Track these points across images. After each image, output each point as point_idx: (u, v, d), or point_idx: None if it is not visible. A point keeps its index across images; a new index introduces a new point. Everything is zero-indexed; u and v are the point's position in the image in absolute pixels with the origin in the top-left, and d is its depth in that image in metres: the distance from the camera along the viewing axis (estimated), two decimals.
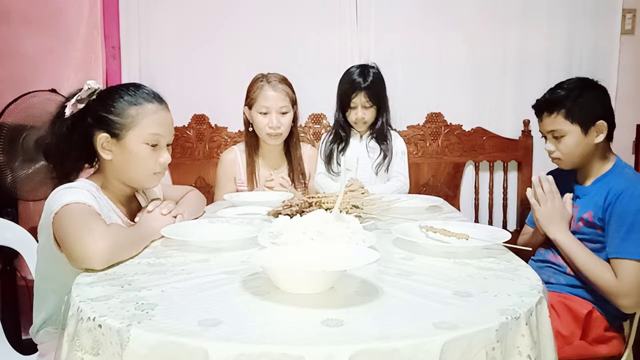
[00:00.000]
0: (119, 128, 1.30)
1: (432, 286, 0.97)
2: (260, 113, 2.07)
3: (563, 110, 1.55)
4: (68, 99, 1.31)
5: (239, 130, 2.64)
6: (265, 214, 1.57)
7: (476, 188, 2.68)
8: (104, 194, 1.33)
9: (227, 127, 2.68)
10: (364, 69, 2.10)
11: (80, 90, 1.30)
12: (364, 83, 2.06)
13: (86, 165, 1.39)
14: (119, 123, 1.30)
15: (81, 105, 1.31)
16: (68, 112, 1.30)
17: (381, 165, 2.12)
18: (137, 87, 1.36)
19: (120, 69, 2.66)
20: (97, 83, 1.32)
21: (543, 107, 1.60)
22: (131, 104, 1.31)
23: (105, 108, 1.31)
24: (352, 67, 2.15)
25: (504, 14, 2.61)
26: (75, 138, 1.33)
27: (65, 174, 1.31)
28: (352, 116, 2.10)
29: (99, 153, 1.33)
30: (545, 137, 1.63)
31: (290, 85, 2.12)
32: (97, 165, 1.39)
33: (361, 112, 2.08)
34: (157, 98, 1.37)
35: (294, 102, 2.12)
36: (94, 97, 1.32)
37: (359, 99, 2.07)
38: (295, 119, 2.15)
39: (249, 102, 2.11)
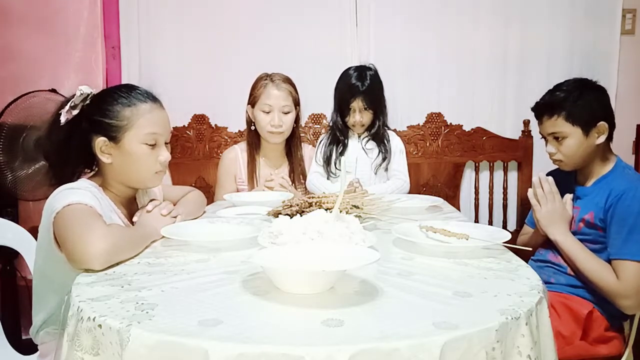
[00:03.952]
0: (115, 131, 1.30)
1: (432, 286, 0.97)
2: (263, 111, 2.07)
3: (563, 112, 1.55)
4: (62, 106, 1.31)
5: (239, 130, 2.64)
6: (265, 214, 1.57)
7: (476, 188, 2.68)
8: (105, 195, 1.33)
9: (227, 127, 2.68)
10: (361, 72, 2.09)
11: (73, 96, 1.30)
12: (362, 87, 2.05)
13: (86, 170, 1.39)
14: (115, 126, 1.30)
15: (75, 111, 1.31)
16: (63, 119, 1.30)
17: (380, 165, 2.12)
18: (129, 88, 1.37)
19: (120, 69, 2.65)
20: (89, 87, 1.32)
21: (543, 109, 1.60)
22: (125, 106, 1.31)
23: (100, 112, 1.31)
24: (349, 69, 2.13)
25: (504, 14, 2.61)
26: (73, 144, 1.33)
27: (64, 181, 1.31)
28: (350, 119, 2.10)
29: (98, 157, 1.33)
30: (546, 139, 1.63)
31: (294, 86, 2.13)
32: (96, 169, 1.39)
33: (359, 115, 2.08)
34: (151, 97, 1.37)
35: (296, 103, 2.12)
36: (88, 101, 1.32)
37: (357, 103, 2.06)
38: (297, 120, 2.15)
39: (252, 100, 2.12)
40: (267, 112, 2.07)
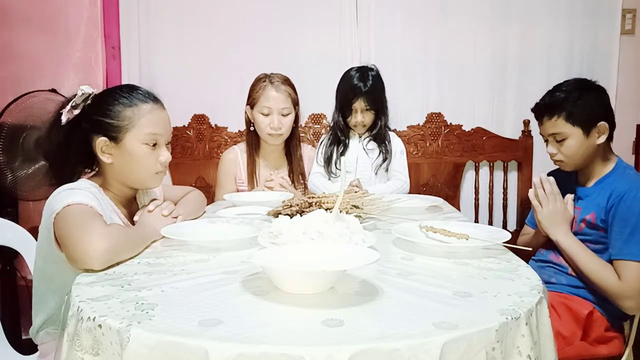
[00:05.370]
0: (116, 131, 1.30)
1: (432, 286, 0.97)
2: (262, 113, 2.07)
3: (564, 113, 1.54)
4: (63, 105, 1.31)
5: (239, 130, 2.64)
6: (265, 214, 1.57)
7: (476, 188, 2.68)
8: (105, 195, 1.33)
9: (227, 127, 2.68)
10: (363, 72, 2.09)
11: (74, 96, 1.30)
12: (364, 88, 2.06)
13: (86, 170, 1.39)
14: (116, 126, 1.30)
15: (76, 111, 1.31)
16: (64, 119, 1.30)
17: (380, 165, 2.12)
18: (130, 88, 1.36)
19: (120, 69, 2.66)
20: (90, 87, 1.32)
21: (543, 110, 1.60)
22: (126, 106, 1.31)
23: (101, 112, 1.31)
24: (351, 69, 2.14)
25: (504, 14, 2.61)
26: (73, 144, 1.33)
27: (64, 180, 1.31)
28: (352, 120, 2.11)
29: (99, 157, 1.33)
30: (547, 140, 1.63)
31: (292, 86, 2.12)
32: (96, 169, 1.39)
33: (360, 116, 2.08)
34: (152, 97, 1.37)
35: (295, 103, 2.12)
36: (89, 101, 1.32)
37: (359, 104, 2.07)
38: (296, 120, 2.15)
39: (251, 102, 2.11)
40: (266, 115, 2.07)
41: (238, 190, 2.14)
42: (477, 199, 2.68)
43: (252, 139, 2.16)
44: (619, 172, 1.56)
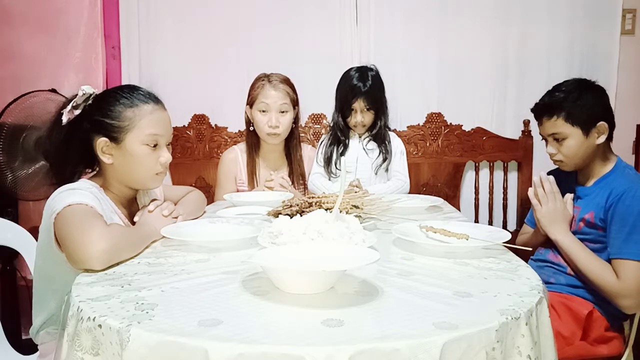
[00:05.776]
0: (117, 131, 1.30)
1: (432, 286, 0.97)
2: (260, 111, 2.07)
3: (563, 113, 1.55)
4: (64, 105, 1.31)
5: (239, 130, 2.64)
6: (265, 214, 1.57)
7: (476, 188, 2.68)
8: (106, 195, 1.33)
9: (227, 127, 2.68)
10: (363, 72, 2.09)
11: (75, 96, 1.30)
12: (363, 88, 2.06)
13: (87, 171, 1.40)
14: (117, 126, 1.30)
15: (77, 112, 1.31)
16: (65, 119, 1.30)
17: (380, 165, 2.12)
18: (132, 89, 1.36)
19: (120, 69, 2.66)
20: (91, 88, 1.32)
21: (542, 110, 1.60)
22: (127, 107, 1.31)
23: (102, 112, 1.31)
24: (351, 69, 2.14)
25: (504, 14, 2.61)
26: (74, 144, 1.33)
27: (64, 180, 1.31)
28: (351, 120, 2.11)
29: (99, 157, 1.33)
30: (546, 140, 1.63)
31: (292, 86, 2.12)
32: (97, 169, 1.39)
33: (360, 116, 2.09)
34: (153, 98, 1.37)
35: (294, 103, 2.12)
36: (90, 102, 1.32)
37: (359, 104, 2.07)
38: (296, 120, 2.15)
39: (250, 101, 2.11)
40: (265, 113, 2.07)
41: (238, 191, 2.14)
42: (477, 199, 2.68)
43: (252, 139, 2.16)
44: (619, 171, 1.56)
